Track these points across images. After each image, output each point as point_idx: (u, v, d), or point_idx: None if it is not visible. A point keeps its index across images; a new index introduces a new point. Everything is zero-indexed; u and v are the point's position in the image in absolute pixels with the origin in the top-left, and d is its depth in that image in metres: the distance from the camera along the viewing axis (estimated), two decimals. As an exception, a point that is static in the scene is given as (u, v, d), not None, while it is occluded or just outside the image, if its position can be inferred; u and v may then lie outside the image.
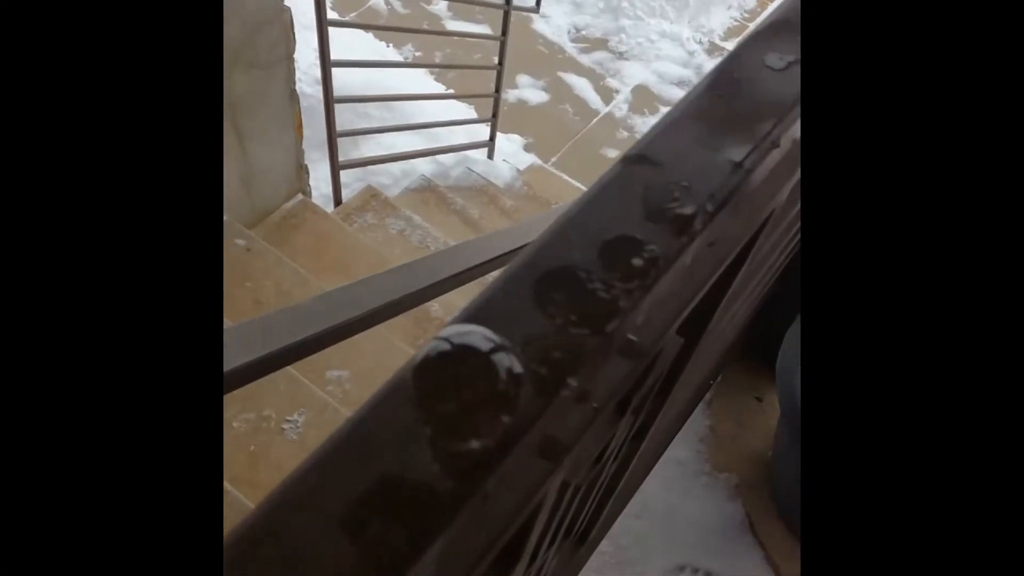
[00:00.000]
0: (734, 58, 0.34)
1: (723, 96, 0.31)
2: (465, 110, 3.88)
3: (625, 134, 4.19)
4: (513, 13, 2.96)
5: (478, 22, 4.40)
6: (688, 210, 0.26)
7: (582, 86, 4.34)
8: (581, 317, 0.22)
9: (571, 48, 4.52)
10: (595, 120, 4.21)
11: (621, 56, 4.54)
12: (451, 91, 3.89)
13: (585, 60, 4.46)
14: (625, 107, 4.31)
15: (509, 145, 3.87)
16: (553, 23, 4.58)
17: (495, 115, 3.35)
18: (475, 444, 0.20)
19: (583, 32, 4.59)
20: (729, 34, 4.69)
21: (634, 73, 4.47)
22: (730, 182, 0.28)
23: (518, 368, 0.21)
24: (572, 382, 0.22)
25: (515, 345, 0.21)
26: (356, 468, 0.20)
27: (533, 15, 4.40)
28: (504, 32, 3.00)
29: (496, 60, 3.14)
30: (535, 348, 0.22)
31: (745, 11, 4.88)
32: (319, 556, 0.19)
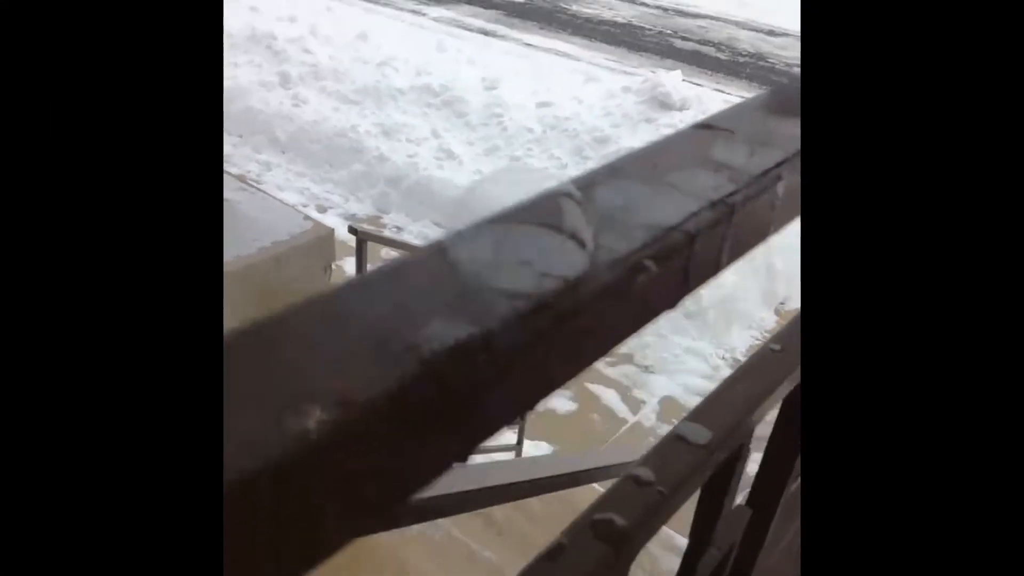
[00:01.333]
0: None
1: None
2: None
3: (653, 442, 4.15)
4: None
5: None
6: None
7: (610, 396, 4.43)
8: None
9: (598, 362, 4.70)
10: (623, 428, 4.21)
11: (647, 369, 4.69)
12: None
13: (612, 372, 4.61)
14: (653, 416, 4.34)
15: (536, 451, 3.85)
16: (581, 340, 4.83)
17: (523, 417, 3.39)
18: None
19: (610, 348, 4.82)
20: (751, 352, 4.87)
21: (661, 385, 4.58)
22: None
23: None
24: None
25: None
26: None
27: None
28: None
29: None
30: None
31: (765, 331, 5.12)
32: None
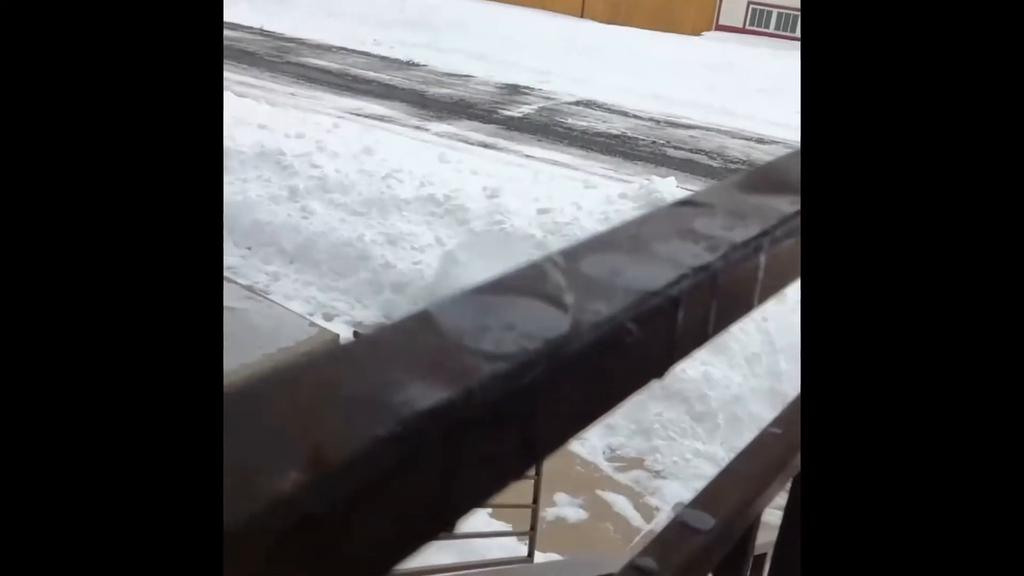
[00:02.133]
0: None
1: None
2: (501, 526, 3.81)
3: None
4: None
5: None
6: None
7: (621, 503, 4.29)
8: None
9: (607, 467, 4.59)
10: (638, 538, 4.06)
11: (658, 475, 4.57)
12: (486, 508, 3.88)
13: (622, 478, 4.49)
14: (667, 524, 4.19)
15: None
16: (588, 444, 4.74)
17: (533, 527, 3.28)
18: None
19: (618, 452, 4.72)
20: (763, 452, 4.76)
21: (674, 491, 4.45)
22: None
23: None
24: None
25: None
26: None
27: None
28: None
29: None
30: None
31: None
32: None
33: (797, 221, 0.40)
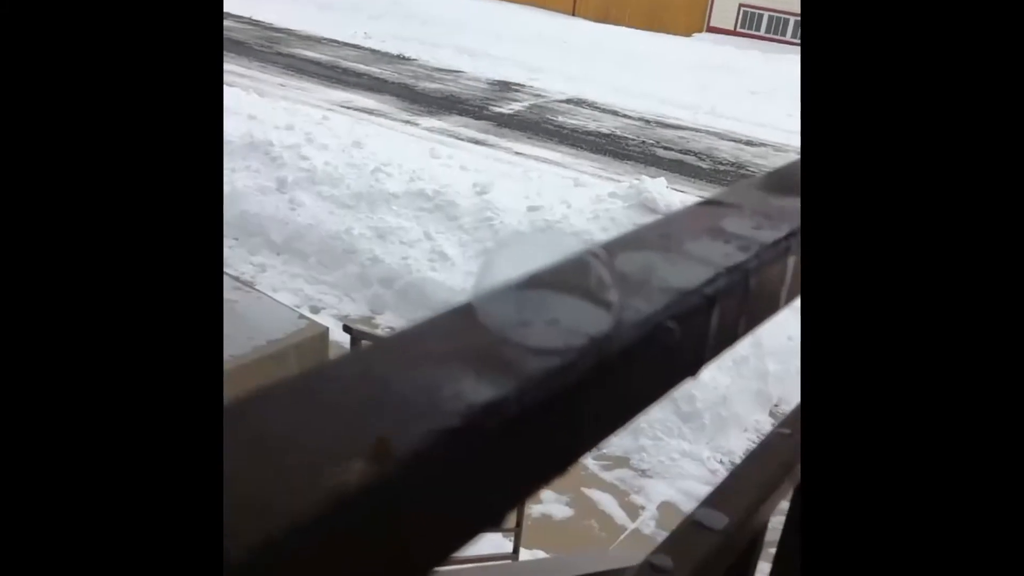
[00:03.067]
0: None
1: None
2: (486, 524, 3.81)
3: (653, 550, 4.00)
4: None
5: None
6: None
7: (607, 501, 4.30)
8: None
9: (593, 465, 4.60)
10: (623, 536, 4.07)
11: (644, 474, 4.59)
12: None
13: (608, 476, 4.50)
14: (652, 523, 4.20)
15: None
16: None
17: (518, 524, 3.28)
18: None
19: (604, 450, 4.73)
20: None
21: (659, 490, 4.47)
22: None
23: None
24: None
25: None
26: None
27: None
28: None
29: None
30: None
31: (760, 434, 5.05)
32: None
33: (823, 223, 0.40)
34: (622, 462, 4.62)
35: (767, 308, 0.38)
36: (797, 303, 0.41)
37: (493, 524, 0.24)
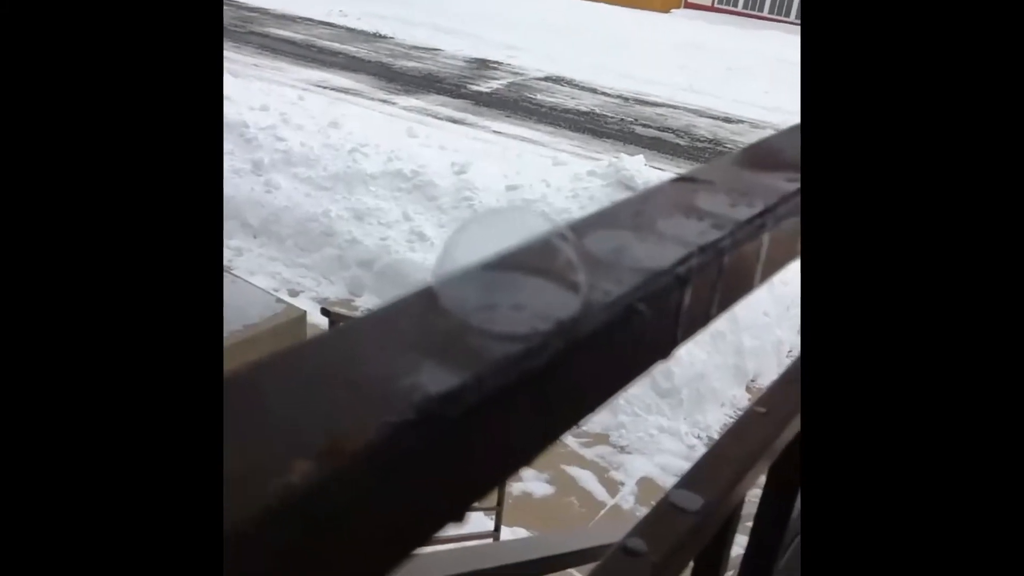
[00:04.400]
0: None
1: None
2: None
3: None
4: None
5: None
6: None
7: (587, 478, 4.34)
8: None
9: (573, 443, 4.63)
10: (602, 512, 4.11)
11: (623, 450, 4.63)
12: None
13: (588, 453, 4.53)
14: (632, 499, 4.25)
15: (514, 538, 3.72)
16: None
17: (499, 502, 3.29)
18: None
19: (583, 427, 4.76)
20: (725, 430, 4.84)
21: (638, 466, 4.51)
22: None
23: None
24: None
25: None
26: None
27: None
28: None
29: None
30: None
31: (738, 408, 5.11)
32: None
33: (797, 199, 0.39)
34: (601, 439, 4.66)
35: (741, 287, 0.37)
36: (773, 280, 0.41)
37: (455, 519, 0.23)
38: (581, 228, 0.33)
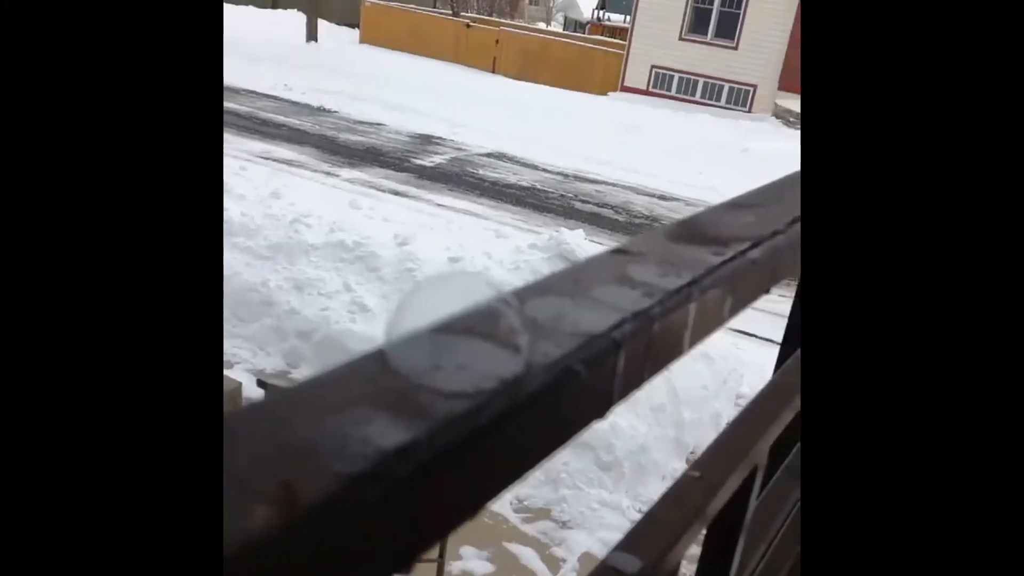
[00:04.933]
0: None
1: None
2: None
3: (575, 604, 3.96)
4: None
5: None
6: None
7: (528, 555, 4.25)
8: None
9: (515, 518, 4.55)
10: (543, 591, 4.02)
11: (564, 525, 4.57)
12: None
13: (529, 529, 4.46)
14: (573, 575, 4.17)
15: (452, 620, 3.59)
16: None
17: (441, 555, 3.19)
18: None
19: (525, 503, 4.69)
20: (668, 500, 4.83)
21: (579, 541, 4.45)
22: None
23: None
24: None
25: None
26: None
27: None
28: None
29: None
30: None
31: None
32: None
33: (723, 271, 0.43)
34: (543, 514, 4.59)
35: (671, 351, 0.39)
36: (717, 345, 0.43)
37: (402, 570, 0.24)
38: (523, 294, 0.35)
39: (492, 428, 0.26)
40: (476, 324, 0.30)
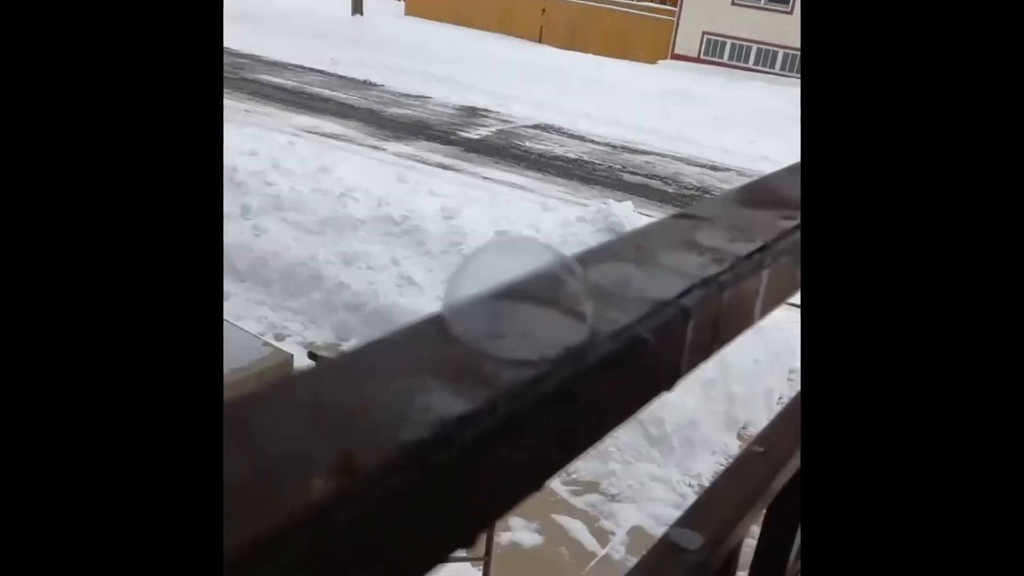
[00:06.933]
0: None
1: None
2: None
3: (624, 576, 3.98)
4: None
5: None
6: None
7: (576, 527, 4.27)
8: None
9: (563, 491, 4.57)
10: (593, 563, 4.03)
11: (614, 498, 4.57)
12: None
13: (578, 502, 4.47)
14: (623, 549, 4.17)
15: (501, 589, 3.64)
16: (544, 467, 4.70)
17: (488, 552, 3.23)
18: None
19: (574, 475, 4.70)
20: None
21: (629, 515, 4.44)
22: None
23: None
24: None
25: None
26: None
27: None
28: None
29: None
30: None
31: (729, 456, 5.07)
32: None
33: (795, 236, 0.40)
34: (592, 487, 4.60)
35: (742, 321, 0.37)
36: (770, 316, 0.41)
37: (465, 543, 0.23)
38: (586, 259, 0.33)
39: (558, 397, 0.25)
40: (538, 290, 0.29)
